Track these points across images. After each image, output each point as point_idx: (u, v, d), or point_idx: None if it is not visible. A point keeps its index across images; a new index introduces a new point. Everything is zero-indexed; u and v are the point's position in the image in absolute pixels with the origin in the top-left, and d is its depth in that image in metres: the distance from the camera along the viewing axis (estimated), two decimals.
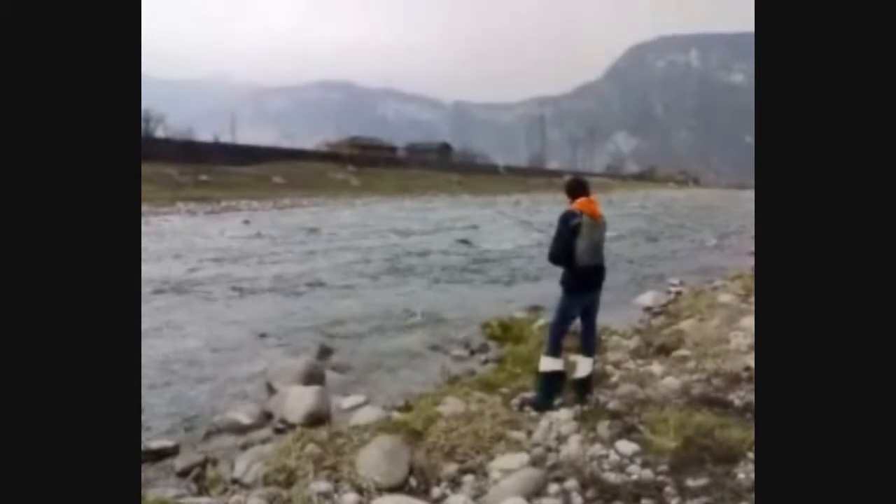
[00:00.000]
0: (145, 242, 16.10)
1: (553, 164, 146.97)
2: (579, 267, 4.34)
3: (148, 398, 5.10)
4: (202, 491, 3.63)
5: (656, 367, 5.37)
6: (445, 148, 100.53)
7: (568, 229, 4.32)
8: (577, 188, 4.55)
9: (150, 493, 3.35)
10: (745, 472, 3.30)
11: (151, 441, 4.26)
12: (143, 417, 4.69)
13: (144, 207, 26.74)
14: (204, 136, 66.78)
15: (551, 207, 33.63)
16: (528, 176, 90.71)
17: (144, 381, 5.41)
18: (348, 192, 52.56)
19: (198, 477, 3.87)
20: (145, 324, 7.39)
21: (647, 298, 9.48)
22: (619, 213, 31.75)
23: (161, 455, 4.15)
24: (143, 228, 19.82)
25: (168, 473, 3.94)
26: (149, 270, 11.79)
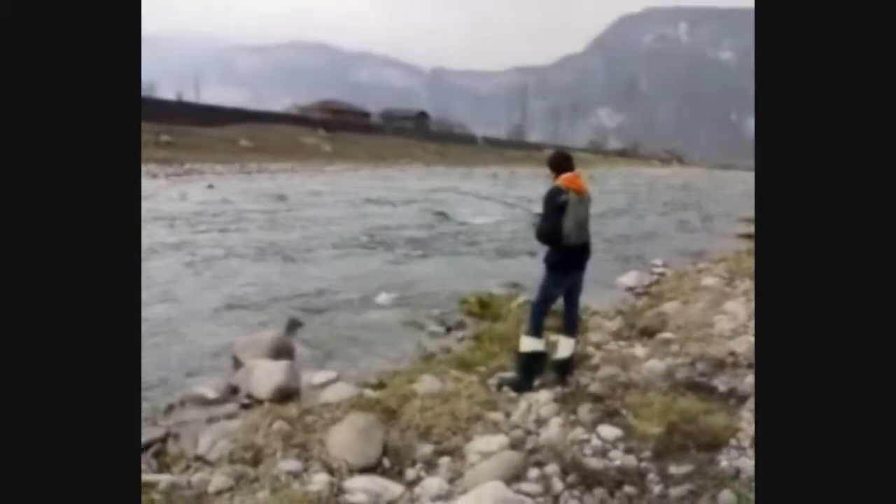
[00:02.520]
0: None
1: (534, 137, 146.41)
2: (565, 245, 4.19)
3: None
4: (163, 468, 3.46)
5: (639, 350, 5.28)
6: (422, 116, 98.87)
7: (555, 207, 4.14)
8: (562, 163, 4.36)
9: None
10: (728, 460, 3.24)
11: None
12: None
13: None
14: (167, 94, 64.35)
15: (531, 182, 33.51)
16: (507, 148, 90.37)
17: None
18: (319, 158, 51.57)
19: (158, 453, 3.69)
20: None
21: (630, 279, 9.32)
22: (601, 189, 31.58)
23: None
24: None
25: None
26: None
